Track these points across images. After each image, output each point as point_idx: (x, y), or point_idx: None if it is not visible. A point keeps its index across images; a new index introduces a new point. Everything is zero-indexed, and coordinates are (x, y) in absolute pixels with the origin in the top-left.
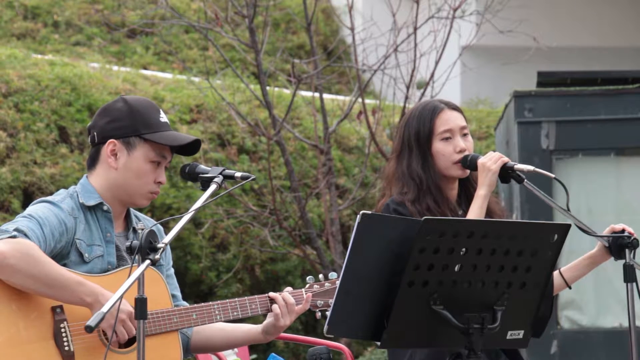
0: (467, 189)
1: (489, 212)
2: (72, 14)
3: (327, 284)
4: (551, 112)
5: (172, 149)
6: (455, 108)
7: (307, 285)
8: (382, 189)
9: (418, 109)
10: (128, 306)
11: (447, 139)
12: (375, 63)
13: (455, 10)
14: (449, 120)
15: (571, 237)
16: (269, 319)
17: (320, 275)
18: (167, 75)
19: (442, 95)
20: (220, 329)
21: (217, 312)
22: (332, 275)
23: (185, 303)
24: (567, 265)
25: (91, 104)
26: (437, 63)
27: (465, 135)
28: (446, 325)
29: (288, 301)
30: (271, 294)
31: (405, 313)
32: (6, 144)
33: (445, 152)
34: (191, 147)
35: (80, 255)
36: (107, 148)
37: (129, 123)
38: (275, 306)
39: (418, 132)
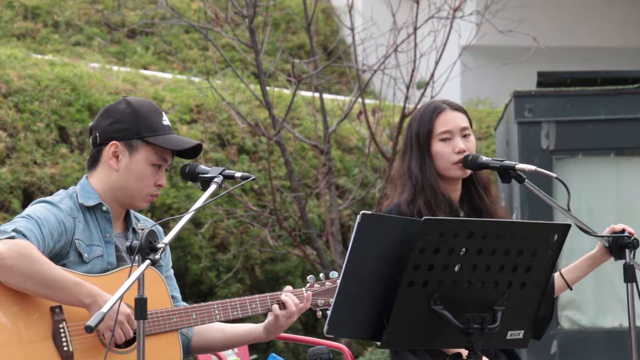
0: (470, 189)
1: (491, 214)
2: (72, 14)
3: (327, 283)
4: (551, 112)
5: (173, 152)
6: (457, 108)
7: (308, 285)
8: (382, 188)
9: (421, 109)
10: (126, 308)
11: (446, 139)
12: (375, 63)
13: (455, 10)
14: (449, 121)
15: (571, 237)
16: (271, 317)
17: (321, 275)
18: (167, 75)
19: (442, 96)
20: (220, 329)
21: (216, 312)
22: (333, 274)
23: (184, 304)
24: (568, 266)
25: (91, 104)
26: (437, 63)
27: (466, 136)
28: (446, 326)
29: (295, 302)
30: (282, 297)
31: (405, 313)
32: (6, 144)
33: (444, 152)
34: (193, 151)
35: (80, 255)
36: (109, 149)
37: (132, 125)
38: (275, 306)
39: (418, 132)
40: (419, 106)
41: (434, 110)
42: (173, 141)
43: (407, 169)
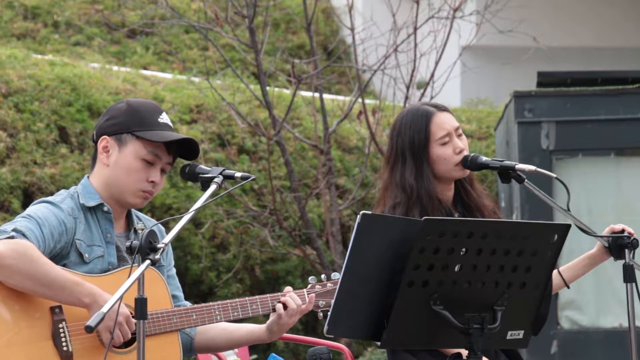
0: (459, 190)
1: (480, 207)
2: (72, 14)
3: (329, 284)
4: (551, 112)
5: (168, 150)
6: (445, 109)
7: (309, 285)
8: (377, 200)
9: (408, 116)
10: (125, 309)
11: (445, 142)
12: (375, 63)
13: (455, 10)
14: (445, 123)
15: (571, 237)
16: (273, 317)
17: (323, 276)
18: (167, 76)
19: (442, 95)
20: (223, 329)
21: (217, 313)
22: (335, 275)
23: (187, 303)
24: (566, 264)
25: (91, 104)
26: (437, 63)
27: (459, 135)
28: (446, 326)
29: (297, 303)
30: (282, 299)
31: (405, 313)
32: (6, 144)
33: (446, 155)
34: (189, 150)
35: (80, 255)
36: (100, 145)
37: (123, 120)
38: (279, 306)
39: (413, 140)
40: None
41: (426, 115)
42: (161, 135)
43: (399, 179)
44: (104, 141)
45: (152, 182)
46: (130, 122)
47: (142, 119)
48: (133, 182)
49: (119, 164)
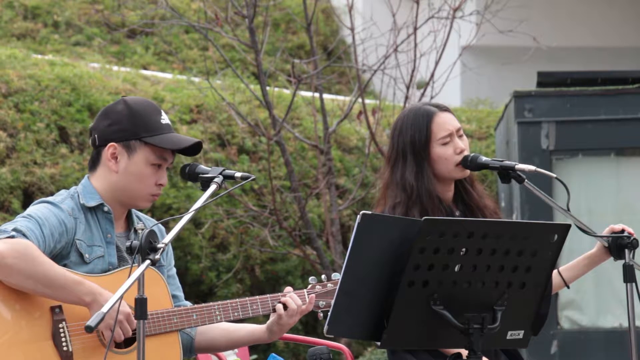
0: (459, 189)
1: (481, 207)
2: (72, 14)
3: (329, 284)
4: (551, 112)
5: (173, 151)
6: (446, 109)
7: (309, 286)
8: (377, 199)
9: (410, 115)
10: (126, 307)
11: (446, 142)
12: (375, 63)
13: (455, 10)
14: (446, 123)
15: (571, 237)
16: (273, 317)
17: (323, 276)
18: (167, 76)
19: (442, 95)
20: (223, 329)
21: (217, 313)
22: (335, 275)
23: (187, 303)
24: (566, 264)
25: (91, 104)
26: (437, 63)
27: (460, 136)
28: (446, 326)
29: (297, 303)
30: (283, 299)
31: (405, 313)
32: (6, 144)
33: (447, 155)
34: (193, 149)
35: (81, 255)
36: (107, 151)
37: (129, 126)
38: (279, 306)
39: (414, 139)
40: (398, 115)
41: (427, 115)
42: (171, 140)
43: (400, 178)
44: (112, 148)
45: (160, 184)
46: (137, 127)
47: (147, 124)
48: (144, 187)
49: (129, 171)
